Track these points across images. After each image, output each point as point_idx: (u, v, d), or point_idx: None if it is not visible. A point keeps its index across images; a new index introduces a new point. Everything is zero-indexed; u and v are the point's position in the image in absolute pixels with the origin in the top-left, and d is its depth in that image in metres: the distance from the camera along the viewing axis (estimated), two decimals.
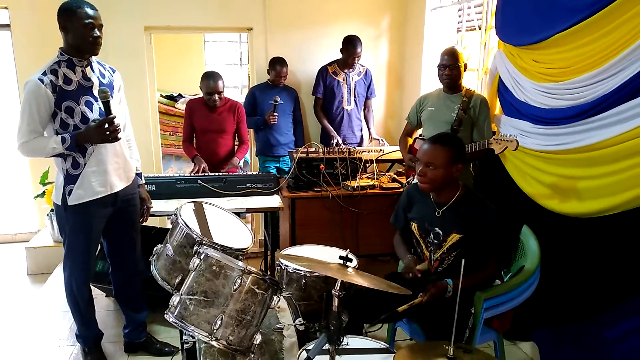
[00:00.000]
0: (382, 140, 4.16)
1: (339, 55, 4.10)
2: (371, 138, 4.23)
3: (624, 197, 2.25)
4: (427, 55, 4.18)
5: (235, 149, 3.89)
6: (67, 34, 2.36)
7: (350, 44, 3.97)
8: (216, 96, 3.60)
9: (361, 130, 4.29)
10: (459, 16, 4.04)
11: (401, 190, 3.50)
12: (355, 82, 4.15)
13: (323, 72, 4.16)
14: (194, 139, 3.82)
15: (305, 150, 3.54)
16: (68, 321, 3.18)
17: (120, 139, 2.45)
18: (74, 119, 2.38)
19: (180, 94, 6.19)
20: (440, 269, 2.33)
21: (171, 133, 5.84)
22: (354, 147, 3.82)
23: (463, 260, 1.75)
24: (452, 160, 2.22)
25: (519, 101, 2.90)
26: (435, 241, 2.32)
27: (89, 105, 2.42)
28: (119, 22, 4.00)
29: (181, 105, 5.91)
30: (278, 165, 4.17)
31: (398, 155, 3.77)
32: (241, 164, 3.94)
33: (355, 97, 4.15)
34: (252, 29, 4.31)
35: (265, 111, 3.99)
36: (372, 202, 3.50)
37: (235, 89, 6.94)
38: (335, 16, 4.38)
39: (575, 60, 2.48)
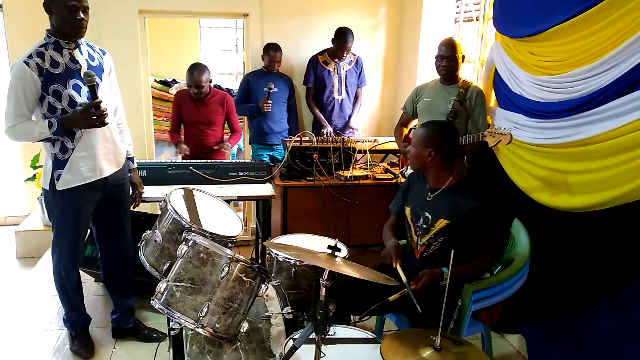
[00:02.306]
0: (356, 130, 4.11)
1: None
2: (348, 126, 4.15)
3: (617, 191, 2.25)
4: (424, 45, 4.15)
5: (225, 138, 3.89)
6: (51, 16, 2.31)
7: (342, 37, 3.93)
8: (196, 89, 3.61)
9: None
10: (457, 7, 4.00)
11: (394, 181, 3.49)
12: (346, 71, 4.11)
13: (313, 61, 4.12)
14: (183, 130, 3.82)
15: (299, 139, 3.52)
16: (56, 305, 3.17)
17: (107, 123, 2.41)
18: (61, 102, 2.34)
19: (174, 80, 6.13)
20: (425, 254, 2.34)
21: (164, 119, 5.79)
22: (347, 137, 3.80)
23: (453, 251, 1.74)
24: (423, 144, 2.30)
25: (514, 94, 2.88)
26: (424, 226, 2.34)
27: (77, 88, 2.38)
28: (113, 5, 3.95)
29: (175, 91, 5.86)
30: (271, 153, 4.14)
31: (392, 145, 3.76)
32: (234, 150, 3.94)
33: (346, 86, 4.12)
34: (248, 15, 4.26)
35: (259, 98, 3.95)
36: (364, 192, 3.49)
37: (231, 76, 6.88)
38: (332, 4, 4.33)
39: (572, 53, 2.47)
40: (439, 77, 3.18)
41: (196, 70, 3.60)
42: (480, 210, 2.23)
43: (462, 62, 3.10)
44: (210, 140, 3.78)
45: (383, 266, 2.38)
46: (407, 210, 2.44)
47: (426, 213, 2.34)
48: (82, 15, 2.30)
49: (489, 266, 2.35)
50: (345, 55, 4.04)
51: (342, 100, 4.13)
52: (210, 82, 3.75)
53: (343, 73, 4.10)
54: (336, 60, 4.08)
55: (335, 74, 4.08)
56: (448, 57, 3.03)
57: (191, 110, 3.71)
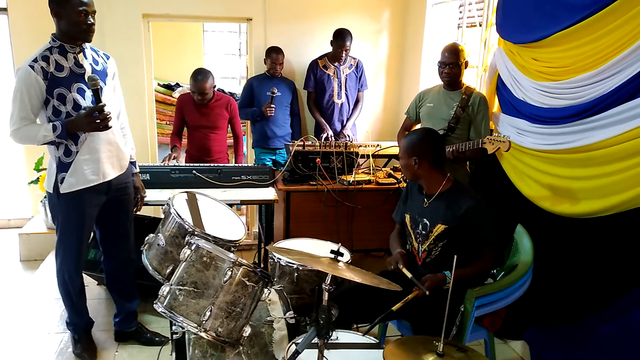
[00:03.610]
0: (350, 137, 4.08)
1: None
2: (342, 133, 4.10)
3: (620, 198, 2.24)
4: (427, 50, 4.16)
5: (229, 144, 3.93)
6: (59, 21, 2.33)
7: (340, 37, 3.93)
8: (199, 95, 3.62)
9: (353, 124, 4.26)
10: (460, 12, 4.01)
11: (397, 186, 3.49)
12: (346, 75, 4.11)
13: (313, 66, 4.13)
14: (187, 134, 3.84)
15: (302, 143, 3.52)
16: (59, 308, 3.17)
17: (110, 127, 2.42)
18: (66, 106, 2.35)
19: (177, 83, 6.15)
20: (427, 260, 2.35)
21: (167, 122, 5.80)
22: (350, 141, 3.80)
23: (455, 257, 1.74)
24: (407, 154, 2.34)
25: (517, 99, 2.88)
26: (423, 232, 2.35)
27: (81, 92, 2.39)
28: (117, 9, 3.97)
29: (178, 95, 5.88)
30: (274, 157, 4.15)
31: (395, 150, 3.75)
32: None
33: (346, 90, 4.12)
34: (251, 19, 4.27)
35: (262, 102, 3.96)
36: (367, 197, 3.48)
37: (234, 80, 6.90)
38: (335, 9, 4.34)
39: (575, 59, 2.47)
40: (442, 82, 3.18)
41: (200, 76, 3.60)
42: (474, 210, 2.23)
43: (466, 67, 3.09)
44: (214, 144, 3.79)
45: (386, 272, 2.39)
46: (407, 218, 2.46)
47: (424, 219, 2.35)
48: (91, 20, 2.33)
49: (492, 266, 2.35)
50: (344, 56, 4.03)
51: (341, 104, 4.13)
52: (214, 87, 3.76)
53: (343, 77, 4.10)
54: (336, 64, 4.08)
55: (335, 78, 4.09)
56: (450, 64, 3.02)
57: (195, 114, 3.72)
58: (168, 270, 2.25)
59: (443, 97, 3.15)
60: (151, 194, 3.03)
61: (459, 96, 3.07)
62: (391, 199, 3.41)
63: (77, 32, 2.33)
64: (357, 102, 4.24)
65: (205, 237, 2.19)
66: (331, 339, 1.74)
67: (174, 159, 3.64)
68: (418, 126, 3.39)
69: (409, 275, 2.21)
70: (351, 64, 4.14)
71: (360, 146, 3.72)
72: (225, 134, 3.88)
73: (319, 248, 2.66)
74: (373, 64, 4.54)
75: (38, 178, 4.09)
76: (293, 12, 4.28)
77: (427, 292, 2.11)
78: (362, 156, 3.68)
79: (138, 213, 2.91)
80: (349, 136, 4.07)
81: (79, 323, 2.76)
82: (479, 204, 2.25)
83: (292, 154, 3.44)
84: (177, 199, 2.43)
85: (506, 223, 2.57)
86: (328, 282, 1.72)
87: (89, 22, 2.31)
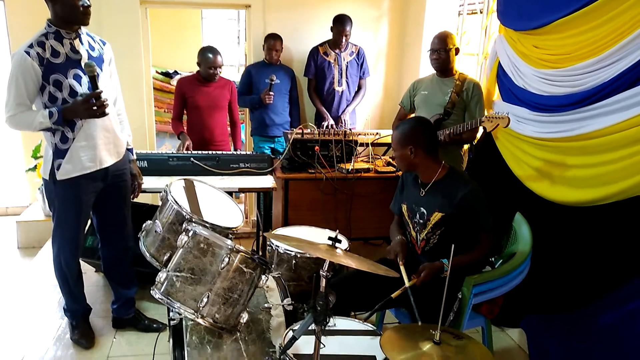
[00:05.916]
0: (347, 122, 4.04)
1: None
2: (340, 120, 4.05)
3: (619, 186, 2.24)
4: (427, 38, 4.11)
5: (229, 129, 3.92)
6: (55, 5, 2.29)
7: (339, 22, 3.91)
8: (218, 70, 3.65)
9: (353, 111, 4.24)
10: None
11: (395, 174, 3.48)
12: (347, 62, 4.08)
13: (314, 52, 4.09)
14: (186, 116, 3.82)
15: (301, 131, 3.50)
16: (57, 295, 3.17)
17: (107, 114, 2.40)
18: (62, 92, 2.33)
19: (176, 71, 6.13)
20: (427, 248, 2.35)
21: (166, 110, 5.79)
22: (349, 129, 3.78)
23: (453, 246, 1.74)
24: (401, 144, 2.33)
25: (517, 87, 2.87)
26: (421, 221, 2.35)
27: (78, 78, 2.37)
28: None
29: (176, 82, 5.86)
30: (272, 145, 4.13)
31: None
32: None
33: (347, 77, 4.09)
34: (250, 6, 4.23)
35: (260, 90, 3.93)
36: (366, 185, 3.47)
37: (232, 67, 6.86)
38: None
39: (576, 47, 2.45)
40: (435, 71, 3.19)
41: (213, 52, 3.65)
42: (470, 196, 2.23)
43: (457, 54, 3.11)
44: (215, 125, 3.78)
45: (385, 260, 2.39)
46: (404, 208, 2.46)
47: (421, 208, 2.35)
48: (88, 2, 2.30)
49: (489, 252, 2.34)
50: (344, 42, 3.99)
51: (342, 91, 4.10)
52: None
53: (344, 64, 4.07)
54: (337, 51, 4.05)
55: (335, 65, 4.06)
56: (438, 50, 3.08)
57: (197, 94, 3.71)
58: (165, 257, 2.24)
59: (437, 84, 3.16)
60: (149, 181, 3.02)
61: (453, 82, 3.10)
62: (390, 187, 3.41)
63: (74, 15, 2.30)
64: (359, 88, 4.21)
65: (202, 223, 2.18)
66: (328, 326, 1.74)
67: (187, 149, 3.59)
68: (412, 116, 3.37)
69: (406, 279, 2.16)
70: (352, 51, 4.11)
71: (359, 134, 3.70)
72: (225, 116, 3.87)
73: (317, 236, 2.66)
74: (373, 51, 4.51)
75: (36, 165, 4.08)
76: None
77: (416, 311, 2.07)
78: (361, 144, 3.67)
79: (136, 200, 2.90)
80: (345, 121, 4.05)
81: (76, 309, 2.77)
82: (474, 190, 2.25)
83: (290, 141, 3.43)
84: (175, 186, 2.42)
85: (505, 211, 2.57)
86: (326, 269, 1.72)
87: (85, 4, 2.29)
